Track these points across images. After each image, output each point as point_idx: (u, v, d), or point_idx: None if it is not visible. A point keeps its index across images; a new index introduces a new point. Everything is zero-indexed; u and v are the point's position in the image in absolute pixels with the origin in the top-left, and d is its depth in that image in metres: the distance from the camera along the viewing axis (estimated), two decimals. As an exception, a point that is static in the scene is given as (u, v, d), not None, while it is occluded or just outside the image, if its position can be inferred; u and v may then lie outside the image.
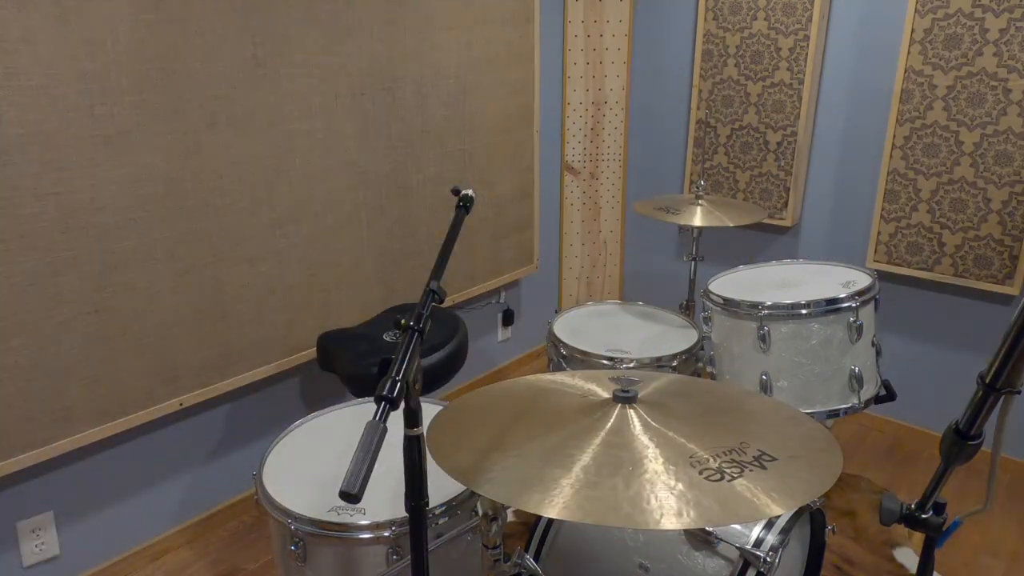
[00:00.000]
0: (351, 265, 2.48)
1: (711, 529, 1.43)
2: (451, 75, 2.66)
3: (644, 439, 1.07)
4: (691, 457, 1.03)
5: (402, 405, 0.97)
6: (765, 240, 3.12)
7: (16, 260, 1.74)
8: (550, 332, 2.19)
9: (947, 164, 2.55)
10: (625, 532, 1.51)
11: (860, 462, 2.73)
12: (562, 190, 3.44)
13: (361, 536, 1.47)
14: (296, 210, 2.28)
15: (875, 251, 2.76)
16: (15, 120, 1.69)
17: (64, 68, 1.74)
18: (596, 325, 2.27)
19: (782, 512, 0.94)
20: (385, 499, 1.55)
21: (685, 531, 1.46)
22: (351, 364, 2.15)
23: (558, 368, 2.12)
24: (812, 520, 1.65)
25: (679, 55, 3.18)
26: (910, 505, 0.98)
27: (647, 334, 2.20)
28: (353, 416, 1.79)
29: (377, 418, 0.89)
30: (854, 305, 1.80)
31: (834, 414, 1.84)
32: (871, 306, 1.86)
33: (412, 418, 1.04)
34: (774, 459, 1.04)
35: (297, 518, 1.49)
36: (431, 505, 1.48)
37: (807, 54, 2.75)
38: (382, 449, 0.89)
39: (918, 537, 2.23)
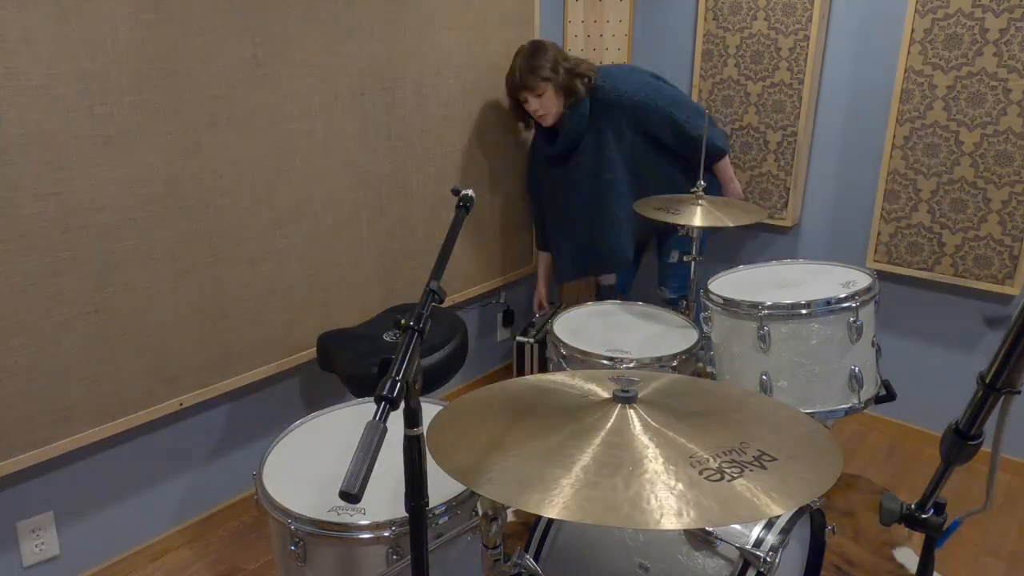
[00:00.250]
0: (351, 265, 2.48)
1: (711, 529, 1.43)
2: (451, 75, 2.66)
3: (644, 439, 1.07)
4: (691, 457, 1.03)
5: (402, 405, 0.97)
6: (765, 240, 3.12)
7: (16, 260, 1.75)
8: (550, 332, 2.19)
9: (947, 164, 2.55)
10: (625, 532, 1.51)
11: (860, 462, 2.73)
12: (562, 190, 3.43)
13: (361, 536, 1.47)
14: (296, 210, 2.28)
15: (875, 251, 2.76)
16: (15, 120, 1.69)
17: (64, 68, 1.74)
18: (596, 325, 2.27)
19: (782, 512, 0.94)
20: (385, 499, 1.55)
21: (685, 531, 1.46)
22: (351, 364, 2.15)
23: (558, 368, 2.12)
24: (812, 520, 1.65)
25: (679, 55, 3.18)
26: (910, 505, 0.98)
27: (647, 334, 2.20)
28: (353, 416, 1.79)
29: (377, 418, 0.89)
30: (854, 305, 1.80)
31: (835, 413, 1.84)
32: (871, 306, 1.86)
33: (412, 418, 1.04)
34: (774, 459, 1.04)
35: (297, 518, 1.49)
36: (431, 505, 1.48)
37: (807, 54, 2.75)
38: (382, 449, 0.89)
39: (918, 537, 2.23)
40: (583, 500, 0.94)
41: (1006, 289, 2.52)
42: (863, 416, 2.98)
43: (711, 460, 1.02)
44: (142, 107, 1.89)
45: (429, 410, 1.41)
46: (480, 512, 1.25)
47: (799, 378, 1.83)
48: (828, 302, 1.79)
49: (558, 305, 3.22)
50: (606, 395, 1.21)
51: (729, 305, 1.90)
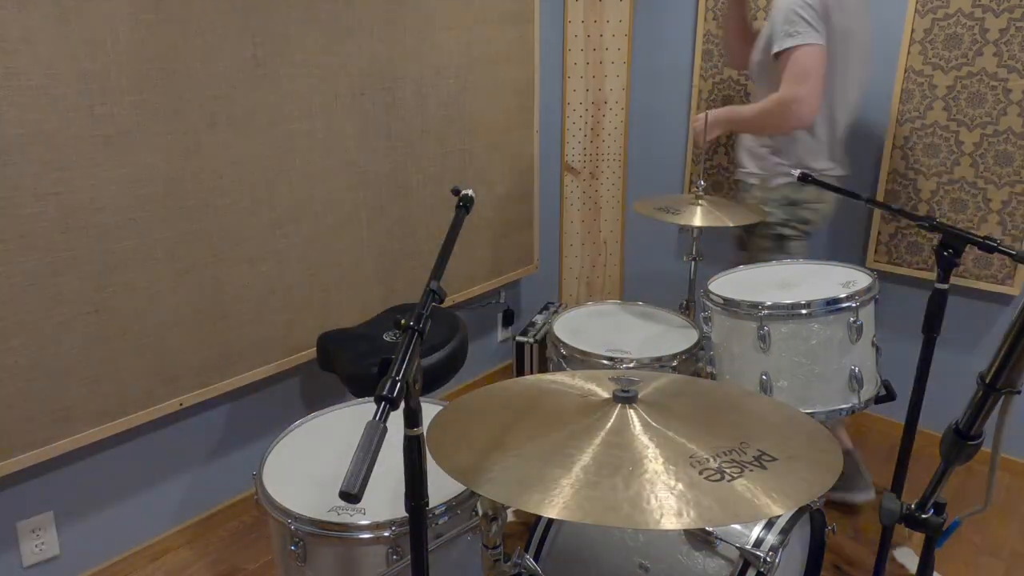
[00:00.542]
0: (351, 265, 2.48)
1: (711, 529, 1.43)
2: (451, 75, 2.66)
3: (644, 439, 1.07)
4: (691, 457, 1.03)
5: (402, 405, 0.97)
6: (765, 240, 3.12)
7: (16, 260, 1.74)
8: (550, 332, 2.19)
9: (947, 164, 2.54)
10: (625, 532, 1.51)
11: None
12: (562, 190, 3.44)
13: (361, 536, 1.47)
14: (296, 210, 2.28)
15: (875, 251, 2.76)
16: (15, 120, 1.69)
17: (64, 68, 1.74)
18: (596, 325, 2.27)
19: (782, 512, 0.94)
20: (385, 499, 1.55)
21: (685, 531, 1.46)
22: (351, 364, 2.15)
23: (558, 368, 2.12)
24: (812, 520, 1.65)
25: (679, 55, 3.18)
26: (910, 505, 0.98)
27: (647, 334, 2.20)
28: (353, 416, 1.79)
29: (377, 418, 0.89)
30: (854, 305, 1.79)
31: (835, 413, 1.84)
32: (871, 306, 1.86)
33: (412, 418, 1.04)
34: (774, 459, 1.04)
35: (297, 518, 1.49)
36: (431, 505, 1.48)
37: (807, 54, 2.74)
38: (382, 449, 0.89)
39: (918, 537, 2.23)
40: (583, 500, 0.94)
41: (1006, 289, 2.52)
42: (863, 416, 2.98)
43: (711, 460, 1.02)
44: (142, 107, 1.89)
45: (429, 410, 1.41)
46: (480, 512, 1.25)
47: (799, 378, 1.82)
48: (828, 302, 1.79)
49: (558, 305, 3.22)
50: (606, 395, 1.21)
51: (729, 305, 1.90)
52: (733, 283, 2.04)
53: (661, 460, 1.02)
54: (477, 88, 2.78)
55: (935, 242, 1.60)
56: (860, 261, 2.86)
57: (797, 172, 1.93)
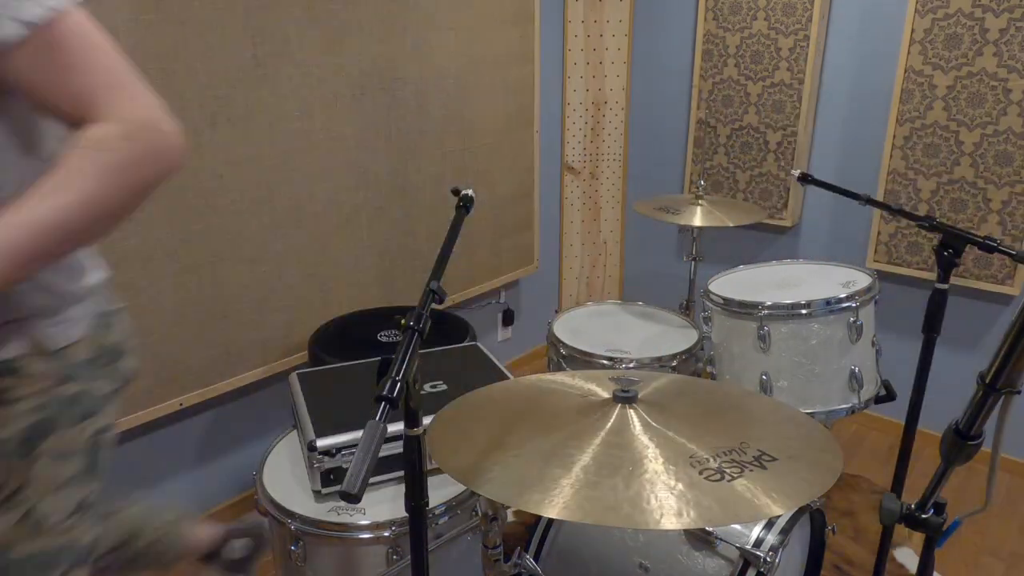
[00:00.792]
0: (351, 265, 2.48)
1: (711, 529, 1.43)
2: (451, 75, 2.66)
3: (644, 439, 1.07)
4: (691, 457, 1.03)
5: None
6: (765, 240, 3.12)
7: (16, 260, 1.74)
8: (550, 332, 2.19)
9: (947, 164, 2.54)
10: (625, 532, 1.51)
11: (860, 462, 2.73)
12: (562, 190, 3.44)
13: (361, 536, 1.47)
14: (296, 210, 2.28)
15: (875, 251, 2.76)
16: (15, 120, 1.69)
17: (64, 68, 1.74)
18: (596, 325, 2.27)
19: (782, 512, 0.94)
20: (385, 499, 1.55)
21: (685, 531, 1.46)
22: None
23: (558, 368, 2.12)
24: (812, 520, 1.65)
25: (679, 55, 3.18)
26: (910, 505, 0.98)
27: (647, 334, 2.20)
28: (353, 416, 1.78)
29: (377, 418, 0.89)
30: (854, 305, 1.80)
31: (835, 413, 1.84)
32: (871, 306, 1.86)
33: (412, 418, 1.04)
34: (774, 459, 1.04)
35: (297, 518, 1.49)
36: (431, 505, 1.48)
37: (807, 54, 2.75)
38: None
39: (918, 537, 2.23)
40: (583, 500, 0.94)
41: (1006, 289, 2.52)
42: (863, 416, 2.98)
43: (711, 460, 1.02)
44: (142, 107, 1.89)
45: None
46: (480, 512, 1.25)
47: (799, 378, 1.82)
48: (828, 302, 1.79)
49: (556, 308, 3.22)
50: (606, 395, 1.21)
51: (729, 305, 1.90)
52: (733, 283, 2.04)
53: (661, 460, 1.02)
54: (477, 88, 2.78)
55: (935, 242, 1.59)
56: (860, 261, 2.86)
57: (797, 172, 1.92)
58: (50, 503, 1.02)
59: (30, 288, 1.00)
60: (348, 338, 2.29)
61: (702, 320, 2.05)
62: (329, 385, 1.78)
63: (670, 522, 0.90)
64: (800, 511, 1.50)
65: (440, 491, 1.55)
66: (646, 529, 1.46)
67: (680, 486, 0.96)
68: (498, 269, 3.09)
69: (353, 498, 0.82)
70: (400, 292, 2.67)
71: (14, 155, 0.95)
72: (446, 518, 1.54)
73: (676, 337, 2.17)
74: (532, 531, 1.61)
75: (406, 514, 1.08)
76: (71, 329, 1.06)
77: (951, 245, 1.56)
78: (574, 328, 2.24)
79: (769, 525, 1.44)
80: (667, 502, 0.93)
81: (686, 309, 2.43)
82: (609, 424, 1.11)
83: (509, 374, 1.83)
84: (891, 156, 2.65)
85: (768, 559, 1.37)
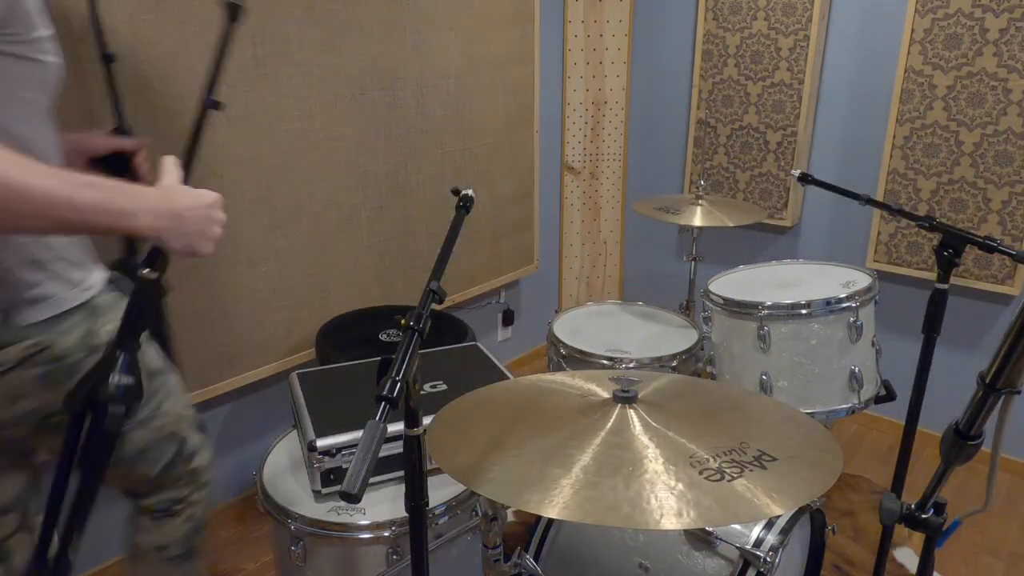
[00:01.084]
0: (351, 265, 2.48)
1: (711, 529, 1.43)
2: (451, 75, 2.66)
3: (644, 439, 1.07)
4: (691, 457, 1.03)
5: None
6: (765, 240, 3.12)
7: (16, 260, 1.74)
8: (550, 332, 2.19)
9: (947, 164, 2.54)
10: (625, 532, 1.51)
11: (860, 462, 2.73)
12: (562, 190, 3.44)
13: (361, 536, 1.47)
14: (296, 210, 2.28)
15: (875, 251, 2.76)
16: (15, 120, 1.69)
17: (64, 68, 1.74)
18: (596, 325, 2.27)
19: (782, 512, 0.94)
20: (385, 499, 1.55)
21: (685, 531, 1.46)
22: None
23: (558, 368, 2.12)
24: (812, 520, 1.65)
25: (679, 55, 3.18)
26: (910, 505, 0.98)
27: (647, 334, 2.20)
28: (353, 416, 1.78)
29: (377, 418, 0.89)
30: (854, 305, 1.80)
31: (835, 413, 1.84)
32: (871, 306, 1.86)
33: (412, 418, 1.04)
34: (774, 459, 1.04)
35: (297, 518, 1.49)
36: (431, 505, 1.48)
37: (807, 54, 2.75)
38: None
39: (918, 537, 2.23)
40: (583, 500, 0.94)
41: (1006, 289, 2.52)
42: (863, 416, 2.98)
43: (711, 460, 1.02)
44: (142, 107, 1.89)
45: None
46: (480, 512, 1.25)
47: (799, 378, 1.82)
48: (828, 302, 1.79)
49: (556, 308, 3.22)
50: (606, 395, 1.21)
51: (729, 305, 1.90)
52: (733, 283, 2.04)
53: (661, 460, 1.02)
54: (477, 88, 2.78)
55: (935, 242, 1.59)
56: (860, 261, 2.86)
57: (797, 172, 1.92)
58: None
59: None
60: (352, 336, 2.29)
61: (702, 320, 2.05)
62: (329, 385, 1.78)
63: (670, 522, 0.90)
64: (800, 511, 1.50)
65: (440, 491, 1.55)
66: (646, 529, 1.46)
67: (680, 486, 0.96)
68: (498, 269, 3.09)
69: (353, 498, 0.82)
70: (400, 292, 2.67)
71: None
72: (446, 518, 1.54)
73: (676, 337, 2.17)
74: (532, 531, 1.61)
75: (406, 514, 1.08)
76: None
77: (951, 245, 1.56)
78: (574, 328, 2.24)
79: (769, 525, 1.44)
80: (667, 502, 0.93)
81: (686, 309, 2.43)
82: (609, 424, 1.11)
83: (509, 374, 1.83)
84: (891, 156, 2.65)
85: (768, 559, 1.37)
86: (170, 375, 1.42)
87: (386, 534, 1.47)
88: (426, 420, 1.09)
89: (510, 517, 2.33)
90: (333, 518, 1.48)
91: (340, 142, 2.35)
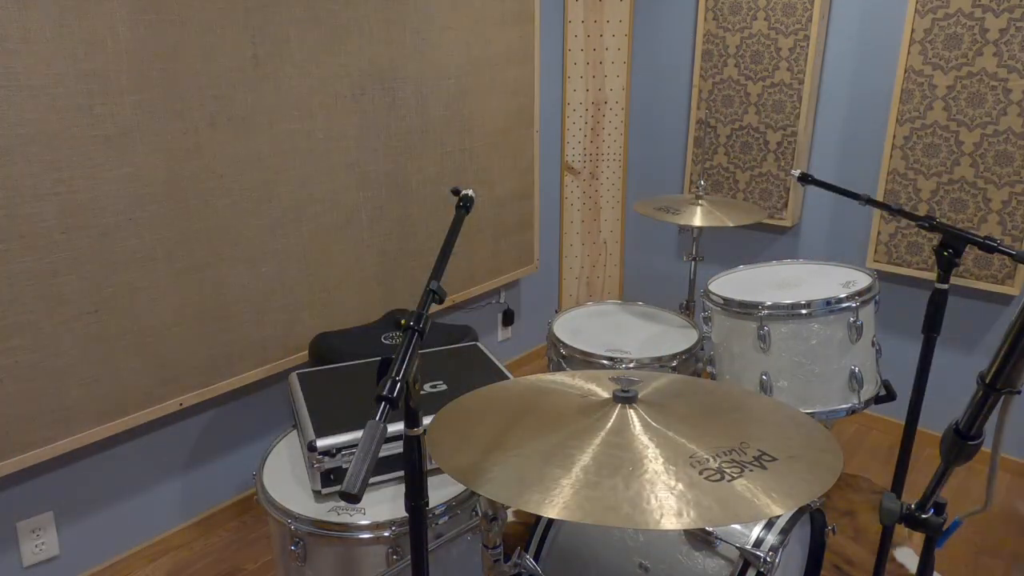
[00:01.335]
0: (351, 265, 2.48)
1: (711, 529, 1.43)
2: (451, 75, 2.66)
3: (644, 439, 1.07)
4: (691, 457, 1.03)
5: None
6: (765, 240, 3.12)
7: (16, 260, 1.74)
8: (550, 332, 2.19)
9: (947, 164, 2.54)
10: (625, 532, 1.51)
11: (860, 462, 2.73)
12: (562, 190, 3.44)
13: (361, 536, 1.47)
14: (296, 210, 2.28)
15: (875, 251, 2.76)
16: (15, 120, 1.69)
17: (64, 68, 1.74)
18: (596, 325, 2.27)
19: (782, 512, 0.94)
20: (385, 499, 1.55)
21: (685, 531, 1.46)
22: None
23: (558, 368, 2.12)
24: (812, 520, 1.65)
25: (679, 55, 3.18)
26: (910, 505, 0.98)
27: (647, 334, 2.20)
28: (353, 416, 1.78)
29: (377, 418, 0.89)
30: (854, 305, 1.80)
31: (835, 413, 1.84)
32: (871, 306, 1.86)
33: (412, 418, 1.04)
34: (774, 459, 1.04)
35: (297, 518, 1.49)
36: (431, 505, 1.48)
37: (807, 54, 2.75)
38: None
39: (918, 537, 2.23)
40: (583, 500, 0.94)
41: (1006, 289, 2.52)
42: (863, 416, 2.98)
43: (711, 460, 1.02)
44: (142, 107, 1.89)
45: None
46: (480, 512, 1.25)
47: (799, 378, 1.82)
48: (828, 302, 1.79)
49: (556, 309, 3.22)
50: (606, 395, 1.21)
51: (729, 305, 1.90)
52: (733, 283, 2.04)
53: (661, 460, 1.02)
54: (477, 88, 2.78)
55: (935, 242, 1.59)
56: (860, 261, 2.86)
57: (797, 172, 1.93)
58: None
59: None
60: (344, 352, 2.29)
61: (702, 320, 2.05)
62: (329, 385, 1.78)
63: (670, 522, 0.90)
64: (800, 511, 1.50)
65: (440, 491, 1.55)
66: (646, 529, 1.46)
67: (680, 486, 0.96)
68: (498, 269, 3.09)
69: (353, 498, 0.82)
70: (400, 292, 2.67)
71: None
72: (446, 518, 1.54)
73: (676, 337, 2.17)
74: (532, 531, 1.61)
75: (406, 514, 1.08)
76: None
77: (951, 245, 1.56)
78: (574, 328, 2.24)
79: (769, 525, 1.44)
80: (667, 502, 0.93)
81: (686, 309, 2.43)
82: (609, 424, 1.11)
83: (509, 374, 1.83)
84: (891, 156, 2.65)
85: (768, 559, 1.37)
86: None
87: (386, 534, 1.47)
88: (426, 420, 1.09)
89: (510, 517, 2.33)
90: (333, 518, 1.48)
91: (340, 142, 2.35)
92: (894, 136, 2.63)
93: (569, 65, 3.26)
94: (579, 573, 1.55)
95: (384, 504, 1.53)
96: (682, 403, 1.21)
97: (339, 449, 1.53)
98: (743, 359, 1.89)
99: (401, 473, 1.49)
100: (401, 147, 2.55)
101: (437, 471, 1.59)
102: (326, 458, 1.52)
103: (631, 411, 1.15)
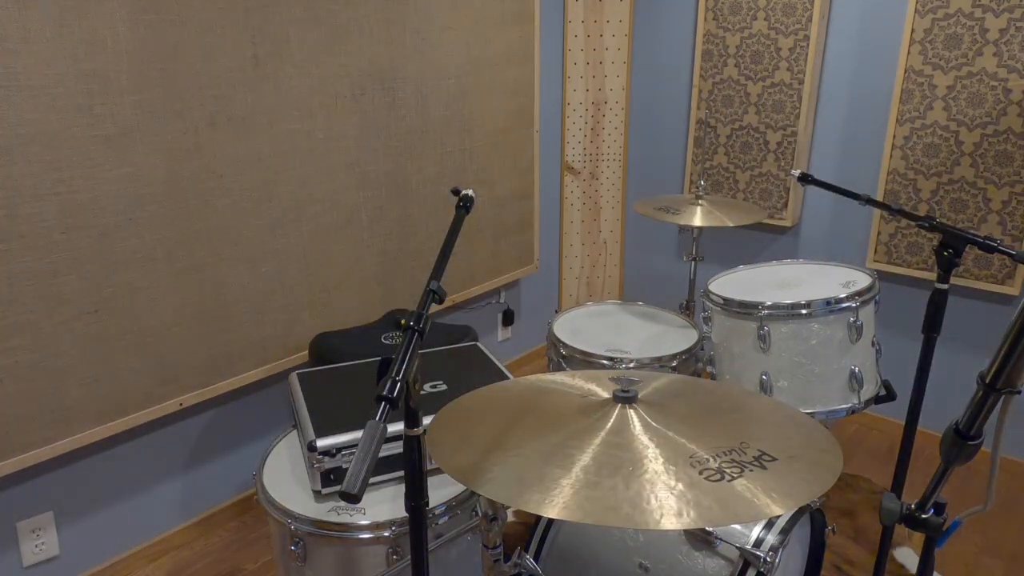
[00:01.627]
0: (351, 265, 2.48)
1: (711, 529, 1.43)
2: (451, 75, 2.66)
3: (644, 439, 1.07)
4: (691, 457, 1.03)
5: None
6: (765, 240, 3.12)
7: (16, 260, 1.74)
8: (550, 332, 2.19)
9: (947, 164, 2.54)
10: (625, 532, 1.51)
11: (860, 462, 2.73)
12: (562, 190, 3.44)
13: (361, 536, 1.47)
14: (296, 210, 2.28)
15: (875, 251, 2.76)
16: (15, 120, 1.69)
17: (64, 68, 1.74)
18: (596, 325, 2.27)
19: (782, 512, 0.94)
20: (385, 499, 1.55)
21: (685, 531, 1.46)
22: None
23: (558, 368, 2.12)
24: (812, 520, 1.65)
25: (679, 55, 3.18)
26: (910, 505, 0.98)
27: (647, 334, 2.20)
28: (353, 416, 1.78)
29: (377, 418, 0.89)
30: (854, 305, 1.80)
31: (835, 413, 1.84)
32: (871, 306, 1.86)
33: (412, 418, 1.04)
34: (774, 459, 1.04)
35: (297, 518, 1.49)
36: (431, 505, 1.48)
37: (807, 54, 2.75)
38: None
39: (918, 537, 2.23)
40: (583, 500, 0.94)
41: (1006, 289, 2.52)
42: (863, 416, 2.98)
43: (711, 460, 1.02)
44: (142, 107, 1.89)
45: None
46: (480, 512, 1.25)
47: (799, 378, 1.82)
48: (828, 302, 1.79)
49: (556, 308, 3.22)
50: (606, 395, 1.21)
51: (729, 305, 1.90)
52: (733, 283, 2.04)
53: (661, 460, 1.02)
54: (477, 88, 2.78)
55: (935, 242, 1.59)
56: (860, 261, 2.86)
57: (797, 172, 1.93)
58: None
59: None
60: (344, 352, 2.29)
61: (702, 320, 2.05)
62: (329, 385, 1.78)
63: (670, 522, 0.90)
64: (800, 511, 1.50)
65: (440, 491, 1.55)
66: (646, 529, 1.46)
67: (680, 486, 0.96)
68: (498, 269, 3.09)
69: (353, 498, 0.82)
70: (400, 292, 2.67)
71: None
72: (446, 518, 1.54)
73: (676, 337, 2.17)
74: (532, 531, 1.61)
75: (406, 514, 1.08)
76: None
77: (951, 245, 1.56)
78: (574, 328, 2.24)
79: (769, 525, 1.44)
80: (667, 502, 0.93)
81: (686, 309, 2.43)
82: (609, 424, 1.11)
83: (509, 374, 1.83)
84: (891, 156, 2.65)
85: (768, 559, 1.37)
86: None
87: (386, 534, 1.47)
88: (426, 420, 1.09)
89: (510, 517, 2.33)
90: (333, 518, 1.48)
91: (340, 142, 2.35)
92: (894, 136, 2.63)
93: (569, 65, 3.26)
94: (579, 573, 1.55)
95: (384, 504, 1.53)
96: (682, 403, 1.21)
97: (339, 449, 1.53)
98: (743, 359, 1.89)
99: (401, 473, 1.49)
100: (401, 147, 2.55)
101: (437, 471, 1.59)
102: (326, 458, 1.52)
103: (631, 411, 1.15)
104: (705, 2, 2.94)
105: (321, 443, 1.52)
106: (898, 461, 1.70)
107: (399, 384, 0.93)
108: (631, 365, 1.99)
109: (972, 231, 1.58)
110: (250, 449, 2.46)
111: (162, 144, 1.95)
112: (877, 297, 1.88)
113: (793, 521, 1.46)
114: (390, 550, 1.49)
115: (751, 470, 1.00)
